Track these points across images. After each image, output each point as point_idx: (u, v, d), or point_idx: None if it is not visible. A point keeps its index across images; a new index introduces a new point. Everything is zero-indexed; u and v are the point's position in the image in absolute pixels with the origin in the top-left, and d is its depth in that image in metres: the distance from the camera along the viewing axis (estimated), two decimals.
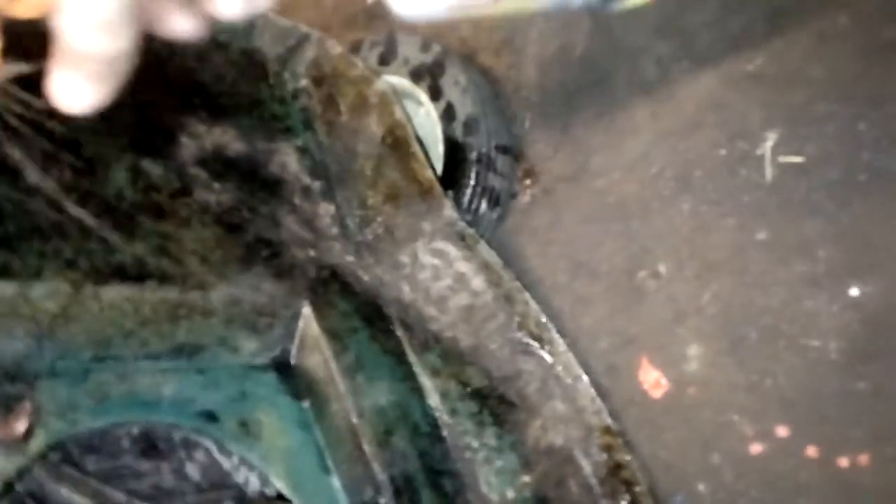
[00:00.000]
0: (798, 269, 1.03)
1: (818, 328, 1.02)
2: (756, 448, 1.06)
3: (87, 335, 0.80)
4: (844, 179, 1.00)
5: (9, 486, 0.70)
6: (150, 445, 0.85)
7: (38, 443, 0.73)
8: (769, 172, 1.07)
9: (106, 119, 0.85)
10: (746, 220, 1.08)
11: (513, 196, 1.29)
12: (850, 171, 1.00)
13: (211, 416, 0.90)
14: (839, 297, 1.00)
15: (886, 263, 0.98)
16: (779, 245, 1.05)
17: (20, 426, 0.70)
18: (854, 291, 0.99)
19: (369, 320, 1.10)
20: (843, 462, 1.00)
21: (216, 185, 0.98)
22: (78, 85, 0.42)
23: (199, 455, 0.89)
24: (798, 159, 1.05)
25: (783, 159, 1.06)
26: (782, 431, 1.04)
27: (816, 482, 1.02)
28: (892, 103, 1.00)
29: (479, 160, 1.19)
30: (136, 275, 0.84)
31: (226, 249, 0.95)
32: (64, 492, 0.76)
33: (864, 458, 0.99)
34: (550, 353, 1.14)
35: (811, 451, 1.02)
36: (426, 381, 1.11)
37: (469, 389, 1.13)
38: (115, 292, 0.81)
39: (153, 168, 0.89)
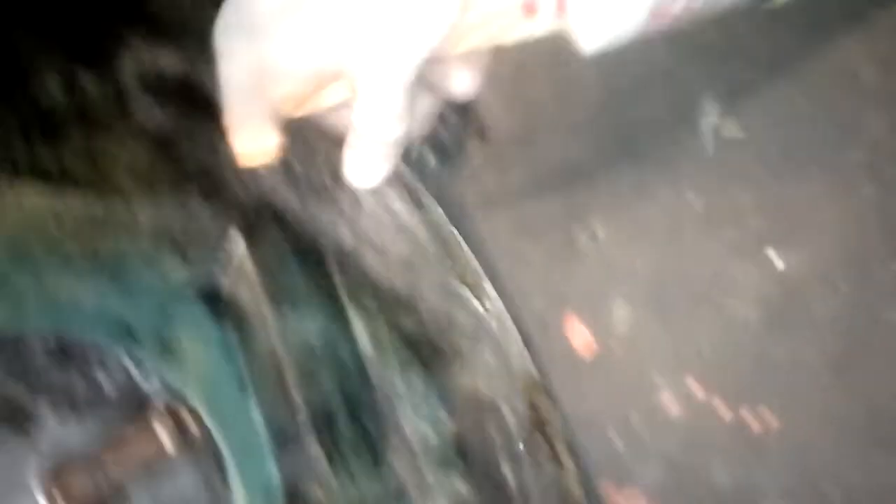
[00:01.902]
0: (728, 237, 1.06)
1: (741, 295, 1.04)
2: (673, 408, 1.09)
3: (6, 237, 0.80)
4: (781, 154, 1.03)
5: None
6: (65, 356, 0.86)
7: None
8: (710, 144, 1.09)
9: (43, 27, 0.86)
10: (684, 188, 1.10)
11: (461, 154, 1.30)
12: (786, 146, 1.02)
13: (131, 332, 0.91)
14: (764, 265, 1.03)
15: (811, 235, 1.01)
16: (712, 213, 1.07)
17: None
18: (778, 261, 1.02)
19: (304, 258, 1.11)
20: (753, 422, 1.03)
21: (155, 106, 0.98)
22: (371, 164, 0.56)
23: (116, 371, 0.90)
24: (739, 133, 1.08)
25: (724, 131, 1.08)
26: (699, 393, 1.07)
27: (727, 441, 1.05)
28: (831, 82, 1.02)
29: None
30: (60, 181, 0.84)
31: (159, 171, 0.96)
32: None
33: (772, 420, 1.02)
34: (484, 306, 1.16)
35: (724, 410, 1.05)
36: (358, 324, 1.12)
37: (401, 335, 1.15)
38: (37, 198, 0.81)
39: (90, 80, 0.89)
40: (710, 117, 1.10)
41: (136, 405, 0.88)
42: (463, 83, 0.56)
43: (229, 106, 0.72)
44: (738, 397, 1.05)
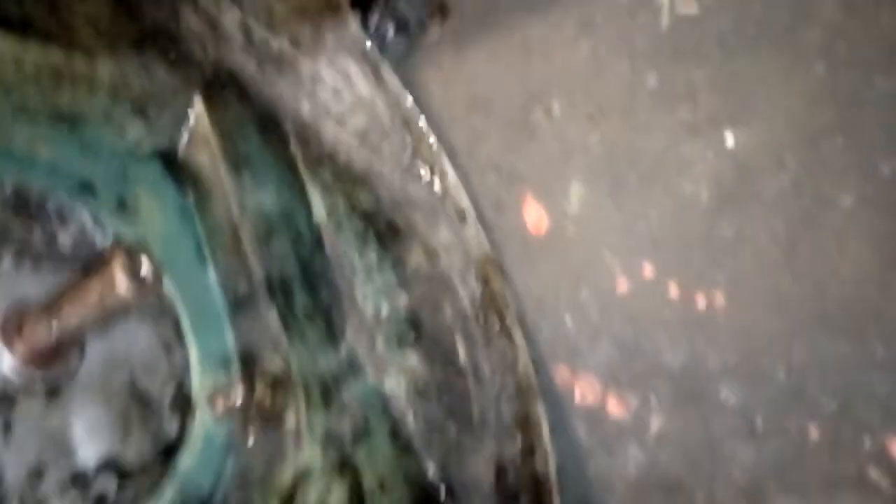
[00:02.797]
0: (681, 115, 1.06)
1: (692, 173, 1.06)
2: (622, 286, 1.11)
3: None
4: (734, 31, 1.02)
5: None
6: (22, 206, 0.84)
7: None
8: (665, 20, 1.08)
9: None
10: (639, 66, 1.10)
11: (422, 29, 1.28)
12: (740, 24, 1.02)
13: (89, 188, 0.90)
14: (715, 144, 1.04)
15: (763, 114, 1.02)
16: (666, 91, 1.08)
17: None
18: (729, 140, 1.03)
19: (263, 128, 1.10)
20: (701, 302, 1.06)
21: None
22: None
23: (73, 226, 0.89)
24: (693, 9, 1.07)
25: (679, 9, 1.08)
26: (648, 271, 1.10)
27: (675, 320, 1.08)
28: None
29: None
30: (20, 29, 0.82)
31: (119, 28, 0.93)
32: None
33: (719, 299, 1.05)
34: (440, 182, 1.16)
35: (673, 290, 1.08)
36: (315, 195, 1.12)
37: (358, 208, 1.15)
38: None
39: None
40: None
41: (91, 259, 0.87)
42: None
43: None
44: (688, 276, 1.07)
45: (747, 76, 1.02)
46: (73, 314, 0.73)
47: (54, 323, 0.75)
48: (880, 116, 0.93)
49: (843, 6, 0.96)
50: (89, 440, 0.81)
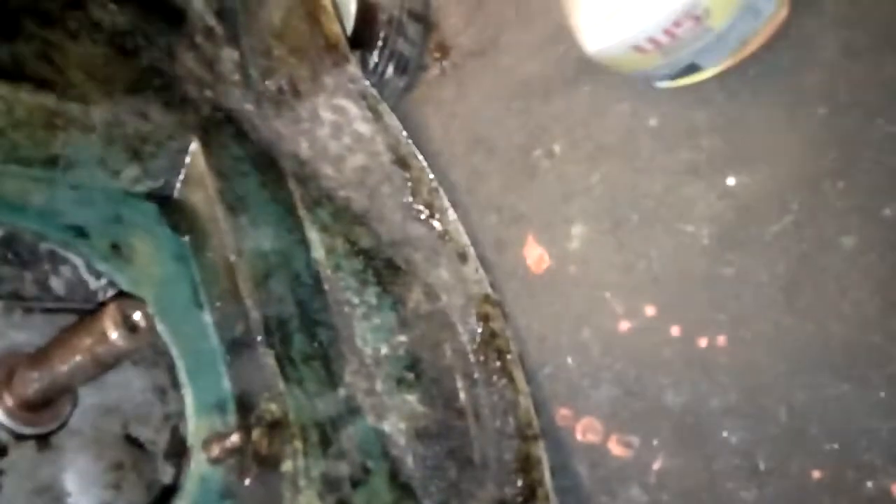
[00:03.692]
0: (682, 156, 1.06)
1: (694, 214, 1.05)
2: (624, 325, 1.10)
3: None
4: (735, 72, 1.02)
5: None
6: (13, 252, 0.84)
7: None
8: None
9: None
10: (640, 107, 1.10)
11: (421, 67, 1.28)
12: (741, 65, 1.02)
13: (81, 233, 0.89)
14: (716, 185, 1.04)
15: (763, 156, 1.01)
16: (667, 132, 1.08)
17: None
18: (730, 181, 1.03)
19: (262, 169, 1.10)
20: (703, 342, 1.05)
21: (111, 5, 0.95)
22: None
23: (66, 271, 0.88)
24: None
25: None
26: (650, 311, 1.09)
27: (676, 360, 1.07)
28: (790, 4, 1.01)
29: (389, 22, 1.18)
30: (13, 74, 0.81)
31: (114, 70, 0.93)
32: None
33: (721, 340, 1.04)
34: (440, 221, 1.15)
35: (675, 330, 1.07)
36: (314, 236, 1.11)
37: (356, 248, 1.14)
38: None
39: None
40: None
41: (84, 305, 0.86)
42: None
43: None
44: (688, 316, 1.06)
45: (748, 117, 1.02)
46: (65, 364, 0.72)
47: (45, 373, 0.74)
48: (882, 159, 0.93)
49: (844, 49, 0.96)
50: (81, 490, 0.80)
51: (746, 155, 1.02)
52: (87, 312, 0.84)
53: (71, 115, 0.87)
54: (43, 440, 0.78)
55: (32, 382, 0.75)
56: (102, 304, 0.74)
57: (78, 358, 0.71)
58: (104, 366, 0.73)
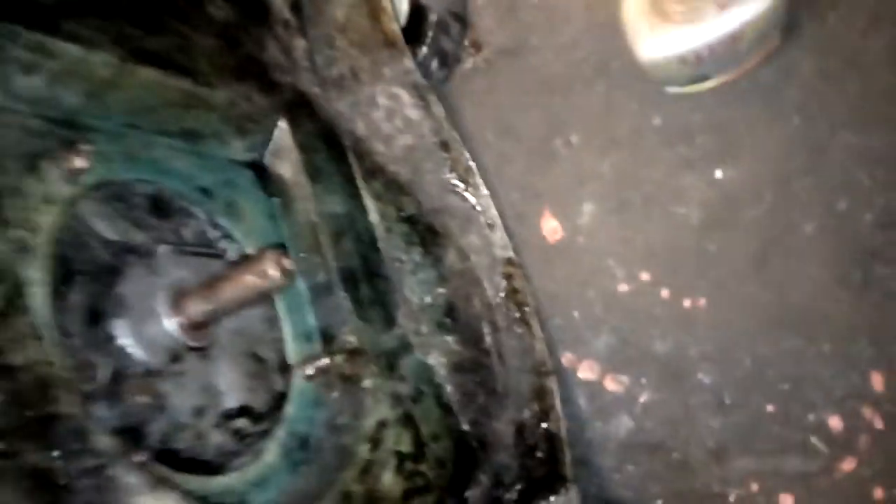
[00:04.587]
0: (679, 151, 1.30)
1: (686, 199, 1.30)
2: (623, 287, 1.35)
3: (124, 104, 0.97)
4: (729, 83, 1.26)
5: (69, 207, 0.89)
6: (158, 206, 1.04)
7: (89, 179, 0.91)
8: None
9: None
10: (646, 107, 1.33)
11: (458, 61, 1.50)
12: (736, 80, 1.26)
13: (206, 193, 1.10)
14: (706, 176, 1.28)
15: (747, 155, 1.26)
16: (668, 130, 1.31)
17: (79, 163, 0.88)
18: (718, 173, 1.28)
19: (328, 144, 1.31)
20: (687, 303, 1.30)
21: (219, 1, 1.15)
22: None
23: (193, 223, 1.08)
24: None
25: None
26: (644, 276, 1.33)
27: (664, 317, 1.32)
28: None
29: (437, 23, 1.39)
30: (162, 62, 1.01)
31: (225, 59, 1.13)
32: (101, 225, 0.95)
33: (702, 302, 1.29)
34: (473, 195, 1.38)
35: (664, 293, 1.32)
36: (370, 203, 1.33)
37: (403, 214, 1.36)
38: (147, 73, 0.98)
39: None
40: None
41: (211, 251, 1.08)
42: None
43: None
44: (676, 281, 1.31)
45: (736, 122, 1.26)
46: (230, 295, 0.93)
47: (212, 301, 0.95)
48: (842, 163, 1.19)
49: (817, 72, 1.21)
50: (228, 391, 1.02)
51: (733, 153, 1.27)
52: (215, 257, 1.05)
53: (201, 97, 1.07)
54: (202, 352, 1.00)
55: (200, 308, 0.96)
56: (260, 253, 0.95)
57: (241, 291, 0.92)
58: (257, 299, 0.94)
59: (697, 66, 1.16)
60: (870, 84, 1.18)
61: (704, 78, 1.23)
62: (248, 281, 0.92)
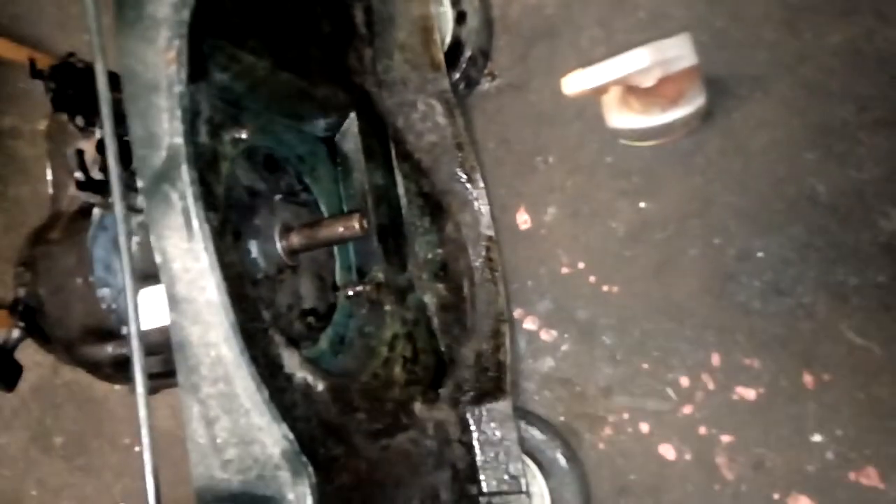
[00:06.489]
0: (619, 184, 1.87)
1: (618, 217, 1.86)
2: (564, 270, 1.92)
3: (268, 94, 1.48)
4: (661, 146, 1.83)
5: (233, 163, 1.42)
6: (270, 165, 1.57)
7: (244, 144, 1.43)
8: None
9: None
10: (604, 147, 1.88)
11: (477, 84, 2.04)
12: (665, 143, 1.83)
13: (301, 159, 1.63)
14: (634, 204, 1.85)
15: (663, 195, 1.83)
16: (616, 167, 1.87)
17: (243, 133, 1.39)
18: (642, 204, 1.85)
19: (378, 131, 1.84)
20: (605, 288, 1.87)
21: (322, 20, 1.67)
22: None
23: (287, 178, 1.61)
24: None
25: None
26: (581, 265, 1.90)
27: (588, 295, 1.88)
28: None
29: (470, 58, 1.93)
30: (294, 68, 1.53)
31: (326, 65, 1.65)
32: (246, 177, 1.48)
33: (615, 288, 1.87)
34: (472, 186, 1.92)
35: (591, 278, 1.88)
36: (399, 179, 1.86)
37: (420, 192, 1.90)
38: (285, 76, 1.49)
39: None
40: None
41: (300, 200, 1.62)
42: None
43: None
44: (602, 272, 1.89)
45: (660, 172, 1.83)
46: (324, 235, 1.47)
47: (310, 237, 1.49)
48: (722, 214, 1.77)
49: (719, 149, 1.78)
50: (306, 297, 1.56)
51: (653, 192, 1.83)
52: (304, 205, 1.60)
53: (309, 92, 1.59)
54: (293, 269, 1.54)
55: (301, 240, 1.50)
56: (350, 211, 1.51)
57: (331, 234, 1.46)
58: (339, 242, 1.49)
59: (643, 134, 1.74)
60: (750, 164, 1.76)
61: (646, 140, 1.80)
62: (338, 229, 1.46)
